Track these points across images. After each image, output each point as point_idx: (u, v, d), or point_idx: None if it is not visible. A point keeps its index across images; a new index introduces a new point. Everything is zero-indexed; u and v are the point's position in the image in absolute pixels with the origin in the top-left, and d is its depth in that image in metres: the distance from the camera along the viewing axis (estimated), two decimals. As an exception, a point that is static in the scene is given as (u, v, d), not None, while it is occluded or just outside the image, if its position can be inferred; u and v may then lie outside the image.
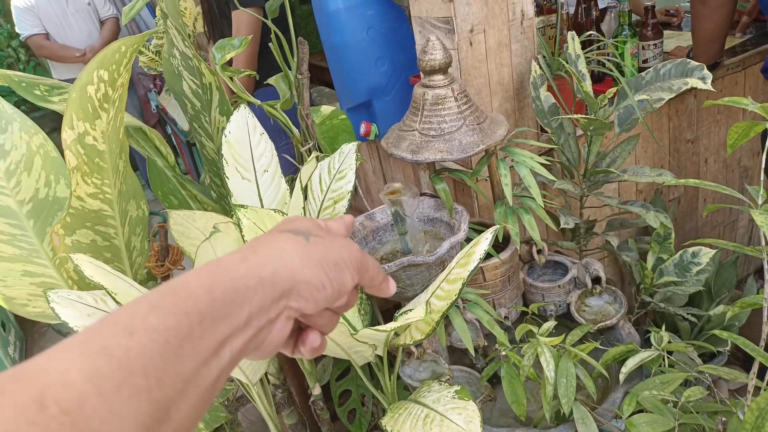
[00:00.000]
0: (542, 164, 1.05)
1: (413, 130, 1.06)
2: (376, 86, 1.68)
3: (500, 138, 1.06)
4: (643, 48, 1.59)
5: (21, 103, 3.33)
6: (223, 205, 1.31)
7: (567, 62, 1.24)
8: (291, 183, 1.13)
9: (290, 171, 1.27)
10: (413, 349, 1.06)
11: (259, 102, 1.17)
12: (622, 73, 1.48)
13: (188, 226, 1.08)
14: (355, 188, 1.05)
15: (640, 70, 1.59)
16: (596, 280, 1.18)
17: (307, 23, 2.68)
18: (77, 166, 0.91)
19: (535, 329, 0.97)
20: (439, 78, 1.04)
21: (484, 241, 0.82)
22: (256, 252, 0.36)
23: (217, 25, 1.94)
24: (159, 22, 1.86)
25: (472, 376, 1.10)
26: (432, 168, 1.14)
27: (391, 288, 0.45)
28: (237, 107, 1.05)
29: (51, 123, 3.13)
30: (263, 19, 1.18)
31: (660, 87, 1.19)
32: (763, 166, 0.85)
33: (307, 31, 2.62)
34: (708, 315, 1.46)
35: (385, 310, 1.29)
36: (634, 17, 1.76)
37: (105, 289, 0.83)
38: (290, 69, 1.20)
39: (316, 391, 1.22)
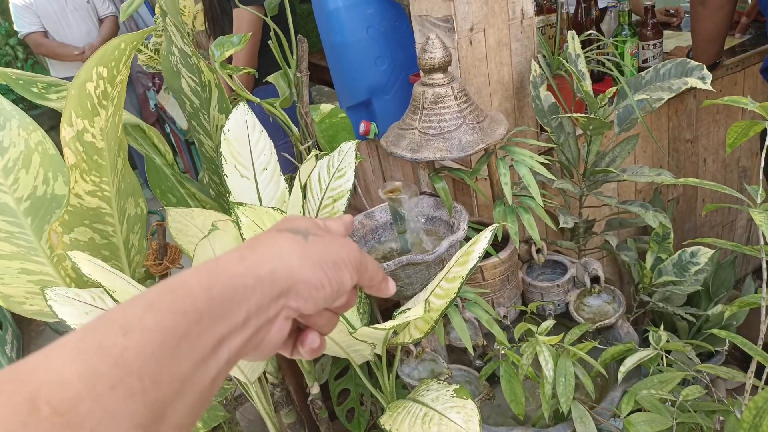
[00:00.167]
0: (542, 163, 1.05)
1: (413, 129, 1.06)
2: (376, 85, 1.68)
3: (500, 137, 1.06)
4: (643, 48, 1.59)
5: (19, 101, 3.32)
6: (222, 203, 1.30)
7: (567, 61, 1.24)
8: (290, 181, 1.12)
9: (289, 169, 1.27)
10: (412, 347, 1.06)
11: (258, 100, 1.17)
12: (621, 72, 1.48)
13: (187, 224, 1.08)
14: (354, 187, 1.05)
15: (640, 69, 1.59)
16: (595, 280, 1.18)
17: (306, 22, 2.68)
18: (76, 163, 0.90)
19: (533, 328, 0.97)
20: (438, 77, 1.04)
21: (483, 240, 0.82)
22: (254, 251, 0.36)
23: (218, 22, 1.94)
24: (158, 20, 1.86)
25: (471, 375, 1.09)
26: (431, 167, 1.14)
27: (390, 288, 0.45)
28: (236, 105, 1.04)
29: (49, 120, 3.12)
30: (263, 17, 1.17)
31: (659, 87, 1.19)
32: (762, 165, 0.85)
33: (307, 30, 2.62)
34: (706, 314, 1.46)
35: (384, 308, 1.29)
36: (634, 17, 1.76)
37: (103, 287, 0.83)
38: (290, 67, 1.20)
39: (315, 389, 1.22)
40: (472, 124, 1.04)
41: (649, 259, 1.31)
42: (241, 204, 0.90)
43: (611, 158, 1.30)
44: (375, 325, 0.84)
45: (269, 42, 1.15)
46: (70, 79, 1.00)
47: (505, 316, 1.16)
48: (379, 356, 1.00)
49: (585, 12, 1.62)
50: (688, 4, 1.53)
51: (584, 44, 1.40)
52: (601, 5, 1.69)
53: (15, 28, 3.27)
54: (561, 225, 1.23)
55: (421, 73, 1.06)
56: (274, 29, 1.16)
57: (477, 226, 1.17)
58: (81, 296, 0.91)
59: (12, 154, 0.96)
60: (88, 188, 0.96)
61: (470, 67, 1.27)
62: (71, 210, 0.95)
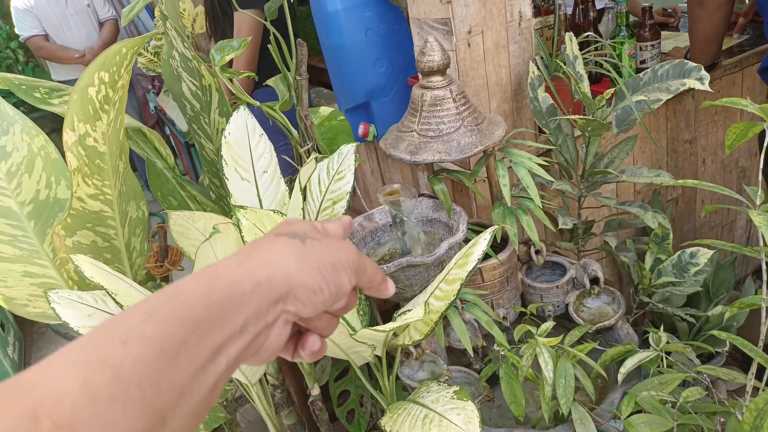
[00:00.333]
0: (540, 165, 1.05)
1: (411, 131, 1.07)
2: (375, 87, 1.69)
3: (498, 139, 1.06)
4: (641, 49, 1.59)
5: (20, 104, 3.32)
6: (222, 205, 1.31)
7: (565, 63, 1.24)
8: (290, 184, 1.13)
9: (289, 172, 1.27)
10: (412, 349, 1.06)
11: (258, 103, 1.18)
12: (619, 74, 1.48)
13: (188, 226, 1.08)
14: (354, 189, 1.06)
15: (638, 71, 1.59)
16: (594, 281, 1.18)
17: (305, 24, 2.68)
18: (78, 167, 0.91)
19: (533, 330, 0.98)
20: (437, 79, 1.04)
21: (482, 242, 0.83)
22: (251, 256, 0.36)
23: (219, 24, 1.95)
24: (158, 24, 1.87)
25: (471, 377, 1.10)
26: (430, 169, 1.15)
27: (390, 289, 0.45)
28: (236, 108, 1.05)
29: (50, 124, 3.12)
30: (263, 21, 1.18)
31: (658, 88, 1.20)
32: (761, 166, 0.85)
33: (305, 32, 2.62)
34: (706, 315, 1.46)
35: (383, 310, 1.29)
36: (632, 18, 1.76)
37: (105, 289, 0.84)
38: (289, 70, 1.20)
39: (315, 391, 1.22)
40: (471, 126, 1.05)
41: (649, 260, 1.31)
42: (241, 207, 0.90)
43: (610, 159, 1.30)
44: (375, 327, 0.84)
45: (269, 46, 1.16)
46: (70, 82, 1.01)
47: (504, 318, 1.16)
48: (379, 358, 1.00)
49: (583, 13, 1.63)
50: (686, 5, 1.53)
51: (582, 46, 1.41)
52: (598, 6, 1.70)
53: (16, 31, 3.28)
54: (560, 226, 1.24)
55: (420, 76, 1.07)
56: (273, 33, 1.17)
57: (476, 228, 1.17)
58: (84, 299, 0.91)
59: (15, 159, 0.97)
60: (90, 192, 0.96)
61: (468, 69, 1.28)
62: (73, 213, 0.95)
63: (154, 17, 1.95)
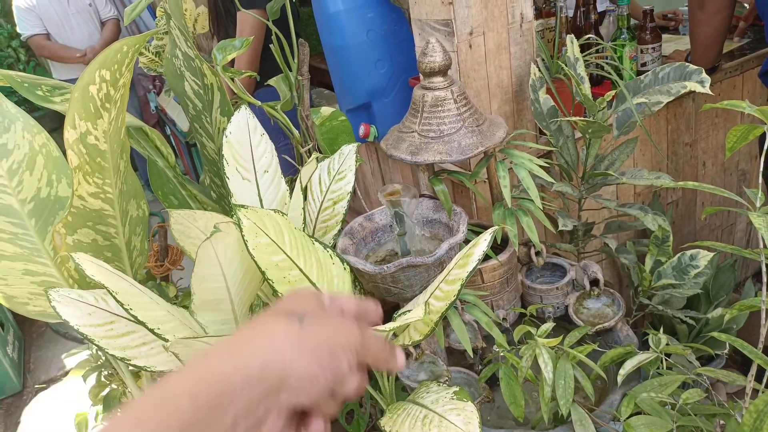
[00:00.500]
0: (541, 166, 1.06)
1: (412, 132, 1.07)
2: (376, 88, 1.69)
3: (499, 140, 1.06)
4: (642, 51, 1.60)
5: (21, 102, 3.32)
6: (223, 205, 1.31)
7: (566, 65, 1.24)
8: (291, 184, 1.13)
9: (289, 171, 1.28)
10: (412, 350, 1.06)
11: (259, 103, 1.18)
12: (620, 76, 1.48)
13: (189, 225, 1.08)
14: (354, 189, 1.06)
15: (639, 73, 1.60)
16: (594, 283, 1.18)
17: (307, 25, 2.69)
18: (79, 165, 0.91)
19: (533, 331, 0.98)
20: (438, 80, 1.04)
21: (482, 243, 0.83)
22: (245, 342, 0.35)
23: (222, 23, 1.96)
24: (159, 23, 1.87)
25: (471, 378, 1.10)
26: (431, 169, 1.15)
27: (400, 361, 0.43)
28: (238, 108, 1.05)
29: (51, 123, 3.12)
30: (266, 21, 1.18)
31: (658, 90, 1.20)
32: (761, 169, 0.85)
33: (307, 33, 2.62)
34: (706, 318, 1.46)
35: (383, 310, 1.29)
36: (633, 21, 1.77)
37: (106, 288, 0.84)
38: (291, 70, 1.20)
39: (315, 391, 1.22)
40: (472, 127, 1.05)
41: (649, 262, 1.31)
42: (242, 206, 0.90)
43: (610, 161, 1.30)
44: (374, 327, 0.84)
45: (271, 45, 1.16)
46: (72, 81, 1.01)
47: (504, 319, 1.16)
48: (379, 358, 1.00)
49: (584, 16, 1.63)
50: (687, 8, 1.54)
51: (583, 48, 1.41)
52: (599, 9, 1.70)
53: (18, 30, 3.29)
54: (560, 228, 1.24)
55: (421, 77, 1.07)
56: (275, 33, 1.17)
57: (476, 229, 1.17)
58: (84, 297, 0.91)
59: (16, 156, 0.97)
60: (91, 190, 0.96)
61: (470, 70, 1.28)
62: (74, 212, 0.95)
63: (156, 17, 1.96)
